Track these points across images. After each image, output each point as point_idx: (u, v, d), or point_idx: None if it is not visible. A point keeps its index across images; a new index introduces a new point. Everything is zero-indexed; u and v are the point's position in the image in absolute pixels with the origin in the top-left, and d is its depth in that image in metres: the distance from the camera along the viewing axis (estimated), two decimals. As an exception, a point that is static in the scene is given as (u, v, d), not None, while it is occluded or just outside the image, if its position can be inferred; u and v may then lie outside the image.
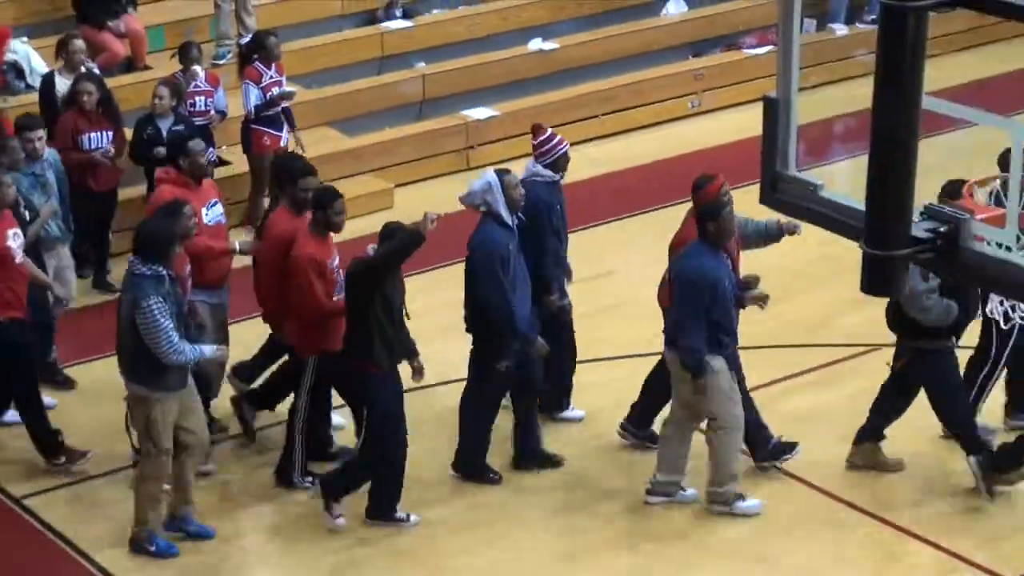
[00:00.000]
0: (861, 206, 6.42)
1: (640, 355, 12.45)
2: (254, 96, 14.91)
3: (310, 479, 11.63)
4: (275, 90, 14.97)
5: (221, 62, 16.83)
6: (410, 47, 18.06)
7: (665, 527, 11.26)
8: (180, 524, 11.21)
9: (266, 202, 15.21)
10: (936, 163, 7.42)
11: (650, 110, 17.78)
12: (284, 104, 15.10)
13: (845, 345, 13.16)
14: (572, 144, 16.72)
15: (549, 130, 12.19)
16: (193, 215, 11.23)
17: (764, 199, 7.14)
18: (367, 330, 10.87)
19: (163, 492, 11.10)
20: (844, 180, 7.12)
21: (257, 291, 11.88)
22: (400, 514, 11.30)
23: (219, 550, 11.16)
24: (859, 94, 6.50)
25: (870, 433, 11.68)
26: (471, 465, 11.80)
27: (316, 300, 11.21)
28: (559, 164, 12.02)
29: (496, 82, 17.70)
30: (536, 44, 18.18)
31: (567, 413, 12.54)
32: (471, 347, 11.66)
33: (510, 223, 11.37)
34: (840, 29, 18.97)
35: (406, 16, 18.39)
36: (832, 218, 6.95)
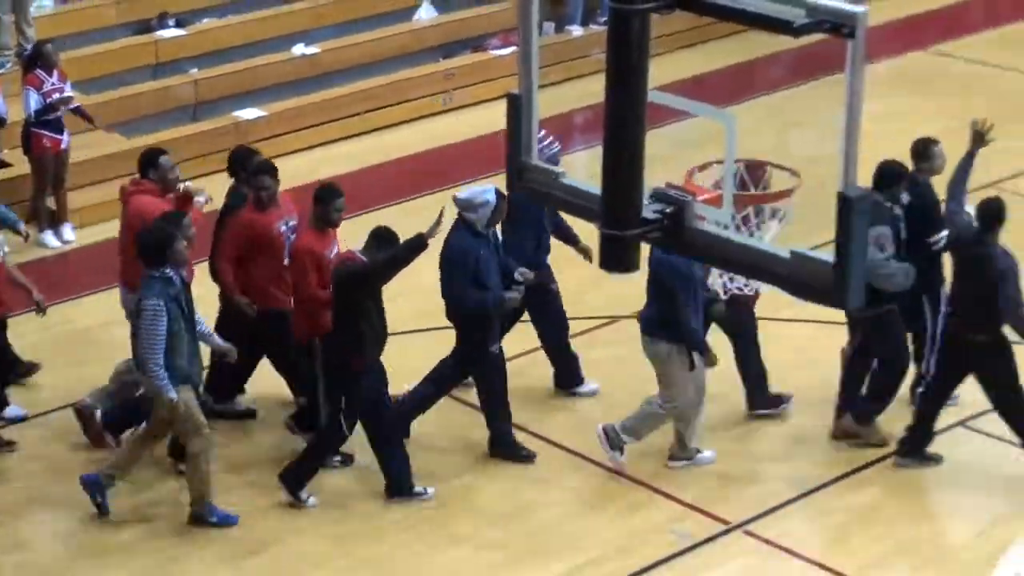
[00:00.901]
0: (598, 191, 6.52)
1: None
2: (34, 101, 14.64)
3: (338, 459, 11.52)
4: (55, 95, 14.73)
5: (1, 71, 16.58)
6: (183, 54, 17.93)
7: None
8: (203, 516, 10.98)
9: (51, 201, 15.05)
10: (664, 151, 7.53)
11: (406, 108, 17.81)
12: (64, 109, 14.86)
13: (591, 318, 13.34)
14: (334, 141, 16.76)
15: (542, 130, 12.06)
16: (192, 224, 11.04)
17: (511, 186, 7.22)
18: (356, 329, 10.78)
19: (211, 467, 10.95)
20: (583, 168, 7.25)
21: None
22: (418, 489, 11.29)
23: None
24: (594, 89, 6.58)
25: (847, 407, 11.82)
26: (505, 444, 11.74)
27: (311, 291, 11.11)
28: (551, 163, 11.84)
29: (264, 84, 17.63)
30: (299, 49, 18.13)
31: (582, 388, 12.54)
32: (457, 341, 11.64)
33: (485, 234, 11.39)
34: (576, 30, 19.16)
35: (179, 25, 18.25)
36: (573, 203, 7.05)
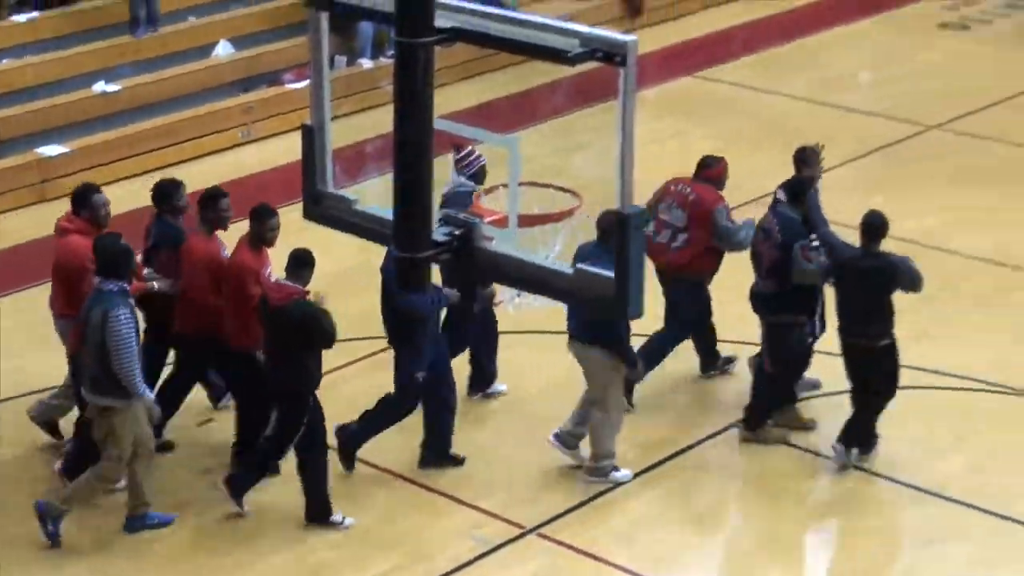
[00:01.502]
0: (391, 216, 6.51)
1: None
2: None
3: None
4: None
5: None
6: (-16, 94, 17.56)
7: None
8: (141, 523, 10.85)
9: None
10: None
11: (206, 141, 17.63)
12: None
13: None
14: (136, 175, 16.51)
15: (469, 146, 12.00)
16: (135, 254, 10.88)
17: (307, 214, 7.18)
18: (311, 360, 10.70)
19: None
20: (376, 195, 7.21)
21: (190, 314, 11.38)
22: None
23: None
24: (385, 120, 6.58)
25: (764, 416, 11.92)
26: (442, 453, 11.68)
27: (253, 304, 10.99)
28: (479, 176, 11.91)
29: (66, 122, 17.31)
30: (100, 87, 17.83)
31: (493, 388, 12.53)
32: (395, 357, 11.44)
33: None
34: (366, 63, 19.10)
35: (-22, 66, 17.87)
36: (368, 228, 7.05)
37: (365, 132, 14.63)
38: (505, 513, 11.22)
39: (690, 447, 11.96)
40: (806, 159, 12.32)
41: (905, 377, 11.74)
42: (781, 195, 11.90)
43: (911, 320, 11.93)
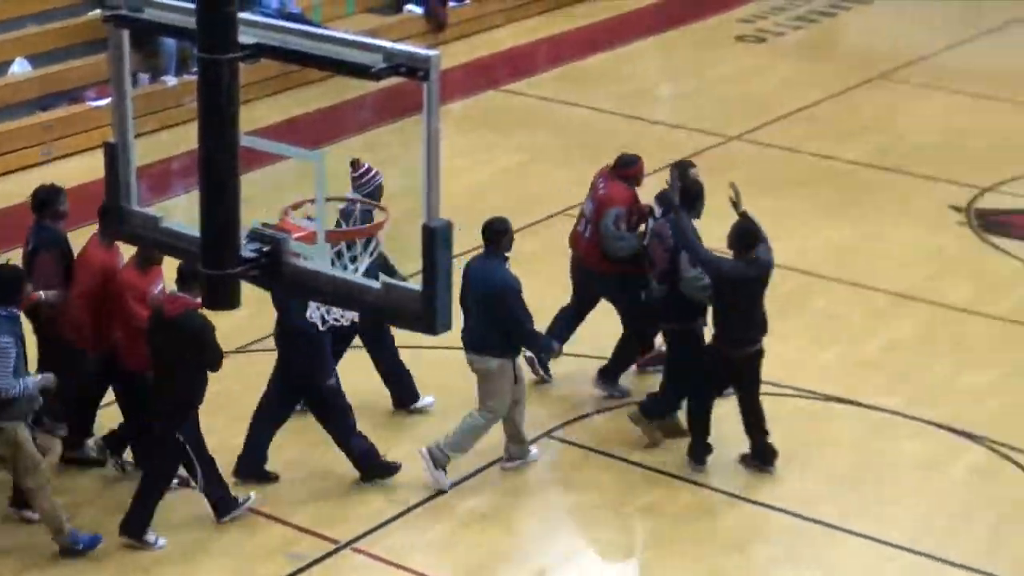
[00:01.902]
0: (197, 233, 6.45)
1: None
2: None
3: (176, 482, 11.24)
4: None
5: None
6: None
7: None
8: (71, 550, 10.72)
9: None
10: (259, 193, 7.51)
11: (4, 160, 17.30)
12: None
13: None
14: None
15: (366, 164, 11.99)
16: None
17: (110, 232, 7.08)
18: (200, 374, 10.74)
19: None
20: (182, 212, 7.14)
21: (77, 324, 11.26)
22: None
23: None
24: (190, 136, 6.52)
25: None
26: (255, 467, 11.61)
27: (140, 323, 10.94)
28: (375, 194, 11.81)
29: None
30: None
31: (421, 403, 12.53)
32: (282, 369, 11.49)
33: None
34: (170, 80, 18.89)
35: None
36: (174, 245, 6.97)
37: (170, 149, 14.48)
38: (318, 528, 11.17)
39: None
40: (684, 173, 12.48)
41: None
42: (656, 209, 12.22)
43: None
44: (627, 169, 12.71)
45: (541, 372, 12.94)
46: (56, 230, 11.56)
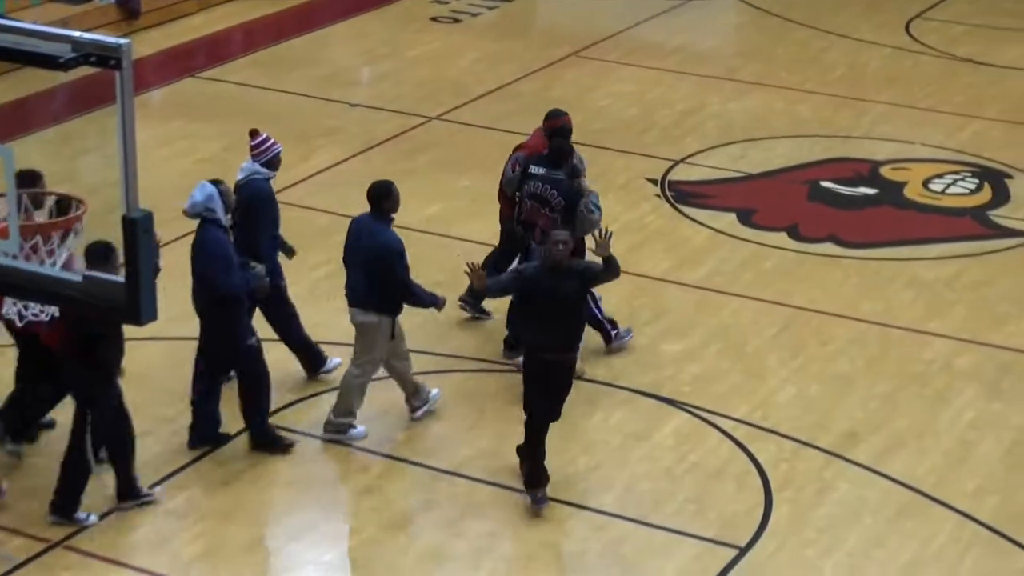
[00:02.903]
0: None
1: None
2: None
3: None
4: None
5: None
6: None
7: None
8: None
9: None
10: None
11: None
12: None
13: None
14: None
15: (264, 133, 12.30)
16: None
17: None
18: (117, 344, 10.79)
19: None
20: None
21: None
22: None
23: None
24: None
25: None
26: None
27: None
28: (273, 163, 12.21)
29: None
30: None
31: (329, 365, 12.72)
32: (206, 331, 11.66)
33: (226, 224, 11.47)
34: None
35: None
36: None
37: None
38: (28, 528, 10.89)
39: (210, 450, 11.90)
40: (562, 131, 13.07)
41: (426, 362, 11.98)
42: (537, 169, 12.73)
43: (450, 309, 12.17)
44: (548, 121, 13.31)
45: (475, 312, 13.58)
46: None
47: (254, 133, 12.29)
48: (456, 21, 22.35)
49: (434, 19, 22.36)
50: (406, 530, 11.14)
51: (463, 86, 19.61)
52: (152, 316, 6.22)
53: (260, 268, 11.91)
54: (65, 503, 10.93)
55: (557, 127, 13.19)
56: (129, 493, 11.14)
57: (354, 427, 12.02)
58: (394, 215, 11.82)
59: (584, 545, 11.02)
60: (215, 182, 11.56)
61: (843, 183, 16.73)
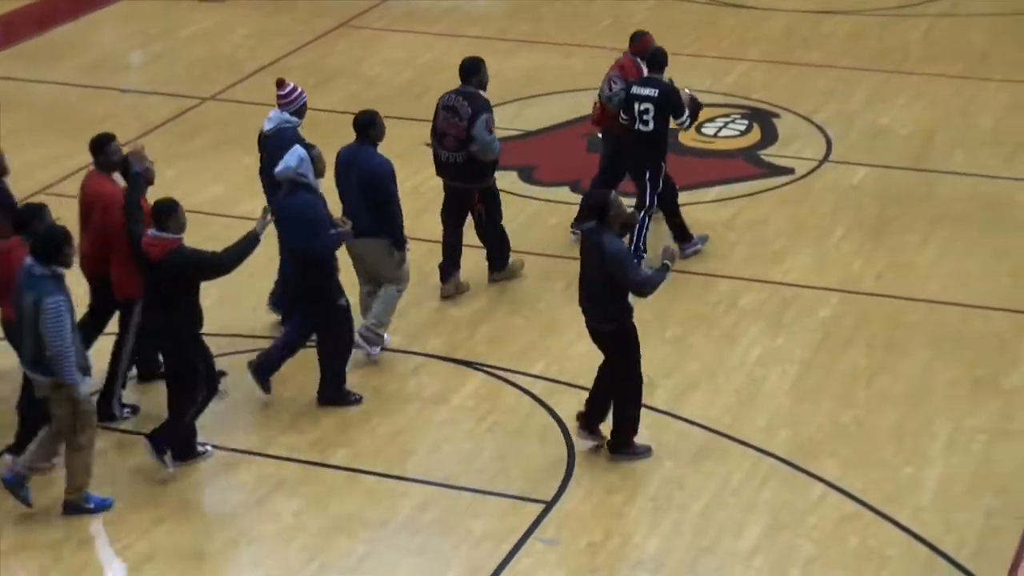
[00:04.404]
0: None
1: None
2: None
3: (128, 410, 11.91)
4: None
5: None
6: None
7: None
8: (80, 504, 10.90)
9: None
10: None
11: None
12: None
13: None
14: None
15: (291, 83, 12.72)
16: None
17: None
18: (191, 308, 11.07)
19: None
20: None
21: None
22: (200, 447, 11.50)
23: None
24: None
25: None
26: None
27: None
28: (301, 111, 12.67)
29: None
30: None
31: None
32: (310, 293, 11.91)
33: (317, 188, 11.82)
34: None
35: None
36: None
37: None
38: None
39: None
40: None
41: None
42: (641, 89, 13.93)
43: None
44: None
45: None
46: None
47: (281, 83, 12.70)
48: (223, -1, 22.06)
49: (200, -2, 22.04)
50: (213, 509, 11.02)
51: (236, 63, 19.36)
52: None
53: (346, 226, 12.02)
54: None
55: (647, 46, 14.29)
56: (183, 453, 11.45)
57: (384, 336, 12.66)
58: (379, 143, 12.39)
59: (389, 514, 11.00)
60: (308, 146, 11.85)
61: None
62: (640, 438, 11.65)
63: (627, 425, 11.44)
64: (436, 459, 11.60)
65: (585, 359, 12.74)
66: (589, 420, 11.56)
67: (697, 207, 15.38)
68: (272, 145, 12.47)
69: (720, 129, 17.30)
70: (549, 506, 11.04)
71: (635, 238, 13.88)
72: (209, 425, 11.78)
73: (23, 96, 18.54)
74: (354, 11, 21.22)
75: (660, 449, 11.63)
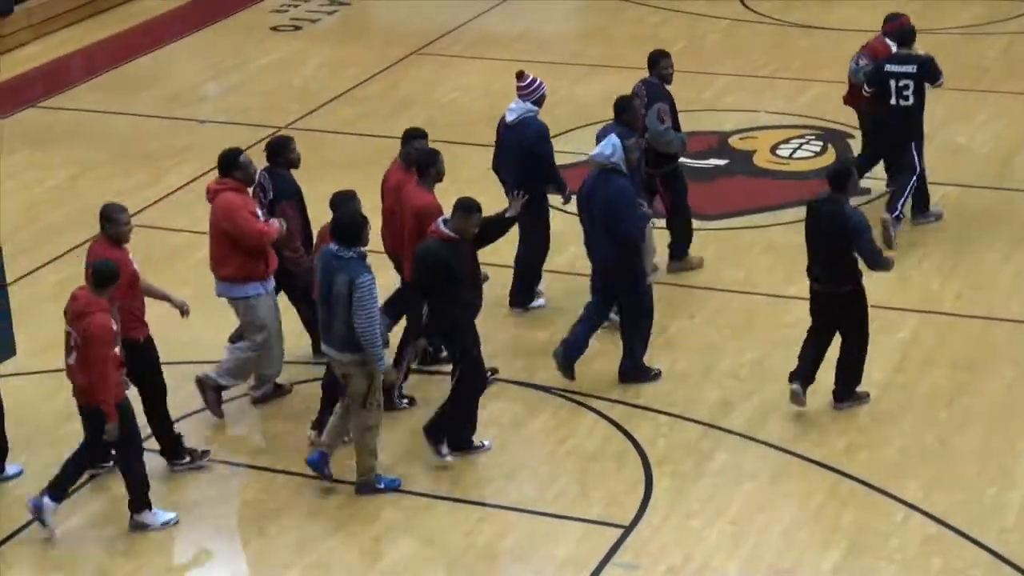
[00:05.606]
0: None
1: None
2: None
3: (406, 400, 12.34)
4: None
5: None
6: None
7: None
8: (370, 488, 11.35)
9: None
10: None
11: None
12: None
13: None
14: None
15: (530, 75, 13.38)
16: None
17: None
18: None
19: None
20: None
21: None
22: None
23: None
24: None
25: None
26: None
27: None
28: (541, 101, 13.38)
29: None
30: None
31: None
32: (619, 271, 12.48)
33: (629, 175, 12.43)
34: None
35: None
36: None
37: None
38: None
39: None
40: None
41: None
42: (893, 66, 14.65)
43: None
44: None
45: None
46: (288, 177, 12.54)
47: (521, 75, 13.32)
48: (297, 29, 22.19)
49: (275, 28, 22.17)
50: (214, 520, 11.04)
51: (310, 93, 19.47)
52: (10, 351, 6.08)
53: (647, 209, 12.71)
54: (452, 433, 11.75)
55: (903, 27, 14.89)
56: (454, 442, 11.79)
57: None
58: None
59: (468, 539, 10.98)
60: (621, 135, 12.42)
61: (693, 156, 16.83)
62: (718, 461, 11.61)
63: (858, 375, 12.26)
64: (514, 484, 11.57)
65: (662, 382, 12.69)
66: (805, 383, 12.14)
67: (774, 228, 15.30)
68: (514, 134, 13.24)
69: (795, 151, 17.22)
70: (628, 530, 10.98)
71: (899, 201, 14.62)
72: (276, 450, 11.82)
73: (102, 128, 18.73)
74: (426, 39, 21.29)
75: (739, 472, 11.56)
